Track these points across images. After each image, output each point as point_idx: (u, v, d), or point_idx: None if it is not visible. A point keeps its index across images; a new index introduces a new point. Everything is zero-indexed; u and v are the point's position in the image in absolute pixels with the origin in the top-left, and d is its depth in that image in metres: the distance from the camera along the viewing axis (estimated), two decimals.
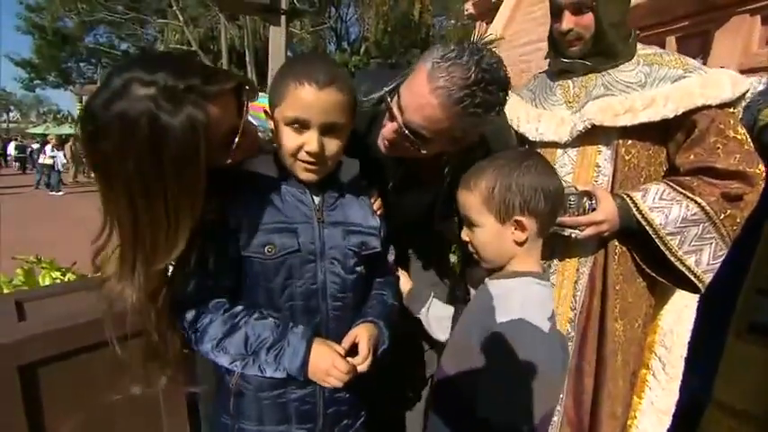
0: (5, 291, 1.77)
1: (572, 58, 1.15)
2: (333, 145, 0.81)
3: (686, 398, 1.23)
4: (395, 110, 0.90)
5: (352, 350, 0.86)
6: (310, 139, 0.78)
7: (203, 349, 0.81)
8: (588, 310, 1.17)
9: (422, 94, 0.83)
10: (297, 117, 0.77)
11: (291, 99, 0.76)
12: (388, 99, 0.92)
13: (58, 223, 6.97)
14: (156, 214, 0.65)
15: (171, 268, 0.78)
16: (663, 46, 5.75)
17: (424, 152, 0.93)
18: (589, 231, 1.07)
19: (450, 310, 1.04)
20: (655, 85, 1.07)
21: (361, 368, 0.83)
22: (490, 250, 0.82)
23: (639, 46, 1.15)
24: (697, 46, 5.79)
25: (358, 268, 0.90)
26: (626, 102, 1.07)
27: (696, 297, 1.17)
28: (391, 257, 1.06)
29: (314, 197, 0.88)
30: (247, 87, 0.78)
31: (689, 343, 1.17)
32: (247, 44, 12.14)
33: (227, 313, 0.82)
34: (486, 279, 0.84)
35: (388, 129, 0.94)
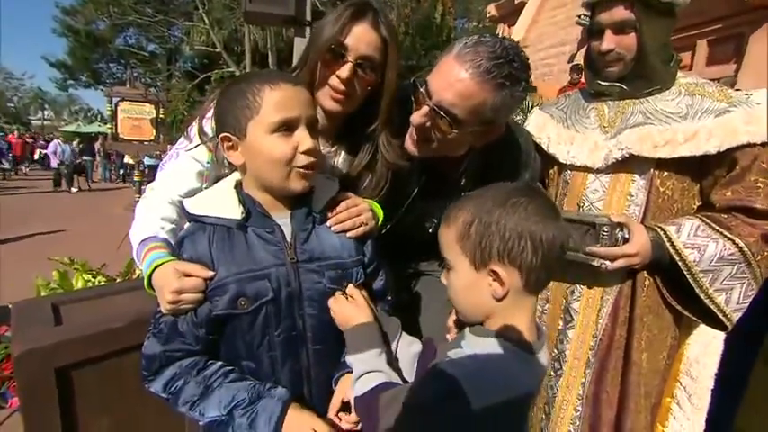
0: (43, 293, 1.88)
1: (609, 79, 1.12)
2: (317, 143, 0.77)
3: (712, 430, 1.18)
4: (424, 96, 0.93)
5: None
6: (303, 138, 0.75)
7: (179, 410, 0.79)
8: (610, 339, 1.15)
9: (451, 72, 0.88)
10: (286, 117, 0.74)
11: (272, 103, 0.73)
12: (417, 86, 0.95)
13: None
14: None
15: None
16: (693, 50, 5.48)
17: (455, 133, 0.93)
18: (620, 263, 1.05)
19: (418, 347, 0.86)
20: (697, 117, 1.03)
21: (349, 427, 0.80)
22: (464, 301, 0.69)
23: (679, 73, 1.11)
24: (730, 50, 5.50)
25: None
26: (666, 133, 1.04)
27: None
28: (380, 283, 0.95)
29: (284, 233, 0.81)
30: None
31: (716, 375, 1.14)
32: (270, 46, 12.38)
33: (200, 374, 0.79)
34: (467, 330, 0.70)
35: (418, 114, 0.95)
